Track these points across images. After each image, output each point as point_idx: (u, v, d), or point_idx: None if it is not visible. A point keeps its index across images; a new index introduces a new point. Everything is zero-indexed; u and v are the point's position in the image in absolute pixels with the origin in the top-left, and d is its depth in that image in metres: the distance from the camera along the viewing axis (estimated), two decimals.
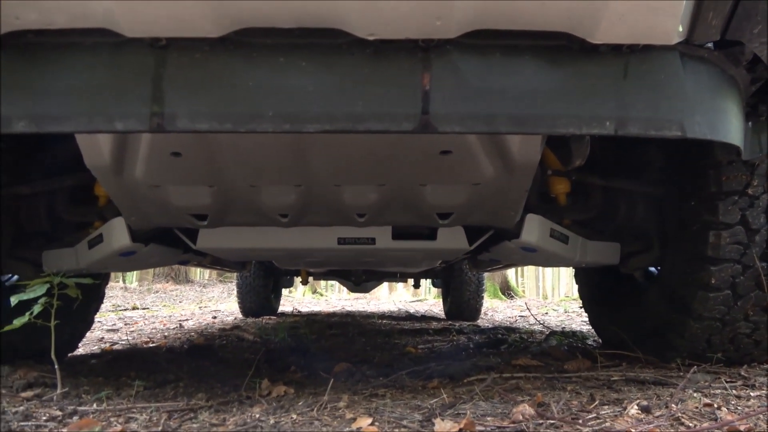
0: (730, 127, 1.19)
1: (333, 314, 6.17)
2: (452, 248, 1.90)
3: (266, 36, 1.02)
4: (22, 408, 1.34)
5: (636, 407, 1.25)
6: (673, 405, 1.31)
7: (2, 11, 0.95)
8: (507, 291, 10.29)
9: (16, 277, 2.04)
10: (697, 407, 1.27)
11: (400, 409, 1.31)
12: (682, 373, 1.71)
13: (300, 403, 1.40)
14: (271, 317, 5.36)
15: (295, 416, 1.28)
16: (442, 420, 1.16)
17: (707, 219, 1.63)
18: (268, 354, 2.53)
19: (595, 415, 1.21)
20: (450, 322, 5.04)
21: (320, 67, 1.03)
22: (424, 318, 5.72)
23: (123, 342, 3.23)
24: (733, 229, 1.60)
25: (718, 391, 1.45)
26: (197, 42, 1.01)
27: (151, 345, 2.88)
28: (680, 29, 1.02)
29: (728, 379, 1.60)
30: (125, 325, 4.62)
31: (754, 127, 1.43)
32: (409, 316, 5.94)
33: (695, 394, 1.43)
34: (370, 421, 1.18)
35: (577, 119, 1.05)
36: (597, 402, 1.35)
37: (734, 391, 1.44)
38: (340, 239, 1.85)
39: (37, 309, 1.42)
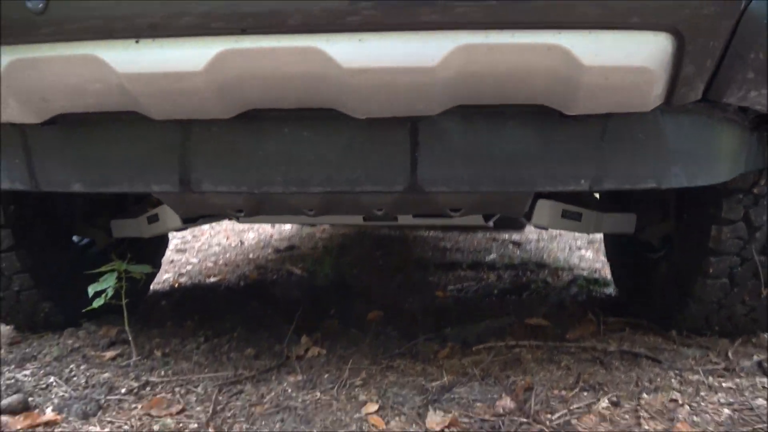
0: (714, 167, 1.24)
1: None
2: (470, 224, 2.05)
3: (273, 111, 1.15)
4: (106, 375, 1.69)
5: (607, 401, 1.45)
6: (645, 395, 1.50)
7: (42, 102, 1.13)
8: None
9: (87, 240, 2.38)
10: (663, 402, 1.45)
11: (406, 390, 1.56)
12: (675, 346, 1.88)
13: (326, 377, 1.68)
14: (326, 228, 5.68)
15: (319, 394, 1.56)
16: (434, 412, 1.40)
17: (712, 212, 1.69)
18: (312, 291, 2.85)
19: (565, 411, 1.41)
20: (496, 232, 5.17)
21: (321, 137, 1.16)
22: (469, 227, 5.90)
23: (190, 266, 3.66)
24: (735, 225, 1.66)
25: (695, 378, 1.61)
26: (215, 119, 1.16)
27: (212, 280, 3.26)
28: (657, 97, 1.07)
29: (714, 359, 1.75)
30: (193, 236, 5.09)
31: (759, 139, 1.45)
32: (455, 226, 6.14)
33: (673, 380, 1.60)
34: (376, 407, 1.44)
35: (555, 179, 1.15)
36: (578, 388, 1.55)
37: (710, 379, 1.60)
38: (365, 218, 2.04)
39: (110, 293, 1.72)
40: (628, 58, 0.96)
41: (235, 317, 2.37)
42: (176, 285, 3.14)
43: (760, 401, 1.46)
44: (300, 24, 0.93)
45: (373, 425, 1.38)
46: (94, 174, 1.22)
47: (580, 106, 1.05)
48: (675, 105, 1.10)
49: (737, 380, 1.59)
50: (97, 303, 1.72)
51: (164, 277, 3.35)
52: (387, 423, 1.39)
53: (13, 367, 1.78)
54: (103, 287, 1.69)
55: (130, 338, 1.81)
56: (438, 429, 1.32)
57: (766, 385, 1.56)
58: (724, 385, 1.57)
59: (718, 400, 1.47)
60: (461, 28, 0.93)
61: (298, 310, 2.36)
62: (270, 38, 0.95)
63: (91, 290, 1.67)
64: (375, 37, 0.94)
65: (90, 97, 1.09)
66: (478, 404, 1.48)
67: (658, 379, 1.62)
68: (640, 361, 1.78)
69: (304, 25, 0.94)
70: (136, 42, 0.98)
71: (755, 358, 1.75)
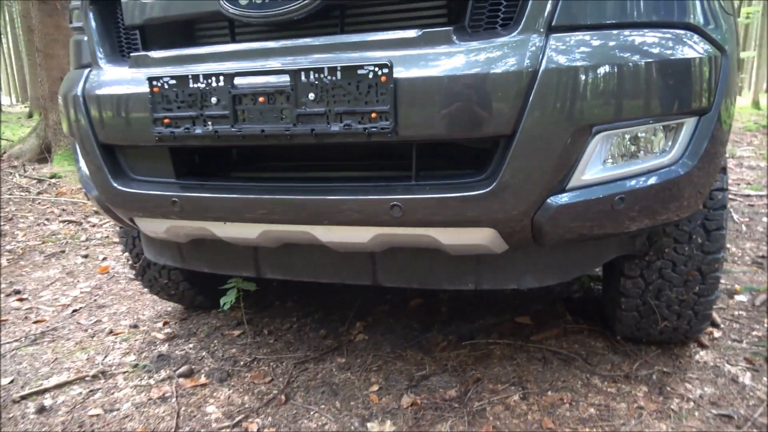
0: (564, 271, 1.97)
1: None
2: None
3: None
4: (233, 350, 2.85)
5: (518, 396, 2.29)
6: (549, 392, 2.31)
7: (182, 237, 2.16)
8: None
9: None
10: (555, 400, 2.26)
11: (402, 376, 2.52)
12: (608, 352, 2.61)
13: (358, 361, 2.68)
14: None
15: (349, 374, 2.58)
16: (408, 395, 2.35)
17: (620, 268, 2.37)
18: None
19: (486, 401, 2.29)
20: None
21: (324, 255, 2.08)
22: None
23: None
24: (635, 279, 2.33)
25: (595, 381, 2.38)
26: None
27: None
28: (501, 248, 1.83)
29: (625, 367, 2.48)
30: None
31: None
32: None
33: (579, 382, 2.38)
34: (377, 388, 2.42)
35: (452, 282, 1.98)
36: (509, 383, 2.40)
37: (604, 383, 2.36)
38: None
39: (233, 300, 2.84)
40: (470, 240, 1.74)
41: (319, 300, 3.46)
42: None
43: (621, 405, 2.22)
44: (300, 219, 1.85)
45: (371, 400, 2.37)
46: (212, 263, 2.28)
47: (453, 254, 1.86)
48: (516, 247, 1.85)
49: (620, 386, 2.34)
50: (226, 306, 2.86)
51: None
52: (380, 399, 2.37)
53: (183, 340, 3.02)
54: (229, 299, 2.81)
55: (246, 328, 2.96)
56: (406, 406, 2.28)
57: (631, 392, 2.29)
58: (609, 390, 2.32)
59: (594, 402, 2.25)
60: (379, 225, 1.78)
61: (358, 300, 3.39)
62: (286, 225, 1.88)
63: (222, 301, 2.81)
64: (336, 227, 1.83)
65: (205, 236, 2.12)
66: (439, 390, 2.40)
67: (570, 379, 2.41)
68: (575, 361, 2.56)
69: (302, 220, 1.85)
70: (224, 223, 1.96)
71: (656, 368, 2.45)
